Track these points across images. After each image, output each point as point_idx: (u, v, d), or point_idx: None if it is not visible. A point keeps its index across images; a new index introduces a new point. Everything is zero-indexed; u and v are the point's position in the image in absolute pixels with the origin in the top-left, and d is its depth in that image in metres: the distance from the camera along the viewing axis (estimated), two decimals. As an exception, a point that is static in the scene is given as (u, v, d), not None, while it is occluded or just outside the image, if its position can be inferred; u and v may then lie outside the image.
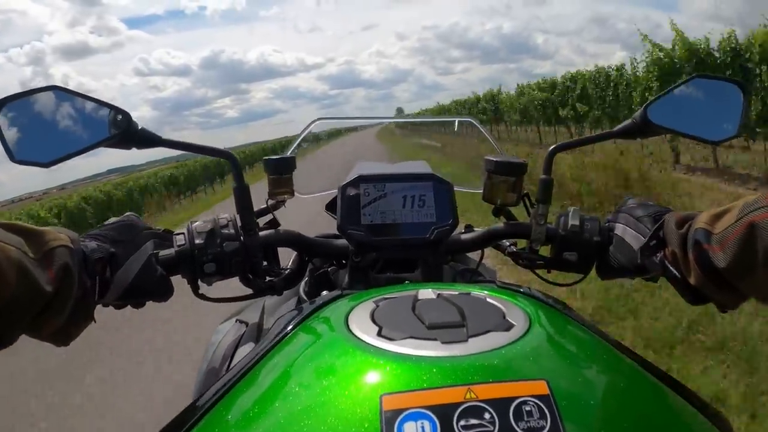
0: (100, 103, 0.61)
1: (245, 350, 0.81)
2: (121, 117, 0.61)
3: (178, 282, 0.67)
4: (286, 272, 0.76)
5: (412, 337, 0.40)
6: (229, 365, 0.83)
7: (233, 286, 0.72)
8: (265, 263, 0.72)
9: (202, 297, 0.70)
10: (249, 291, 0.74)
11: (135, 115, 0.62)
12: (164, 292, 0.65)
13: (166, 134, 0.65)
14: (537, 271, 0.76)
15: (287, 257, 0.79)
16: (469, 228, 0.80)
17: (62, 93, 0.60)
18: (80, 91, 0.61)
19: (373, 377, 0.37)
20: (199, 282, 0.68)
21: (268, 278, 0.72)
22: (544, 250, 0.74)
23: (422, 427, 0.32)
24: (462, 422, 0.32)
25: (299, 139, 0.88)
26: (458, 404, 0.33)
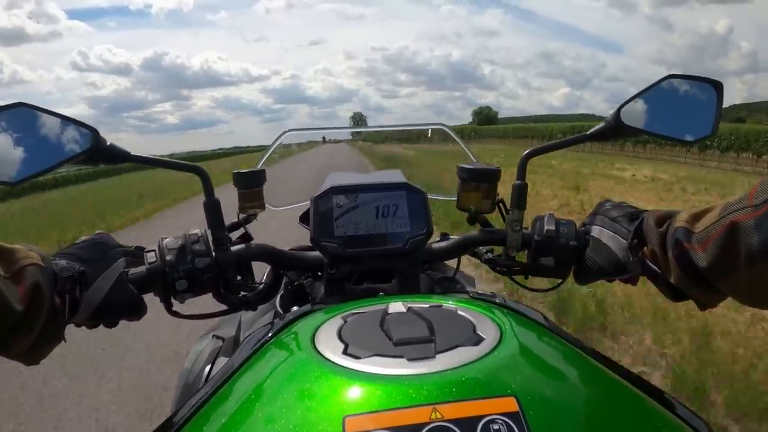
0: (68, 120, 0.60)
1: (221, 365, 0.80)
2: (89, 133, 0.60)
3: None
4: (261, 287, 0.74)
5: (377, 355, 0.40)
6: (205, 381, 0.82)
7: (211, 301, 0.71)
8: (239, 278, 0.71)
9: (176, 314, 0.68)
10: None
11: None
12: (136, 311, 0.63)
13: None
14: (515, 277, 0.76)
15: (263, 270, 0.78)
16: (444, 236, 0.79)
17: (29, 110, 0.59)
18: (44, 107, 0.60)
19: (336, 398, 0.36)
20: (173, 299, 0.67)
21: (242, 293, 0.71)
22: (521, 256, 0.74)
23: None
24: None
25: (269, 152, 0.87)
26: (423, 425, 0.32)
